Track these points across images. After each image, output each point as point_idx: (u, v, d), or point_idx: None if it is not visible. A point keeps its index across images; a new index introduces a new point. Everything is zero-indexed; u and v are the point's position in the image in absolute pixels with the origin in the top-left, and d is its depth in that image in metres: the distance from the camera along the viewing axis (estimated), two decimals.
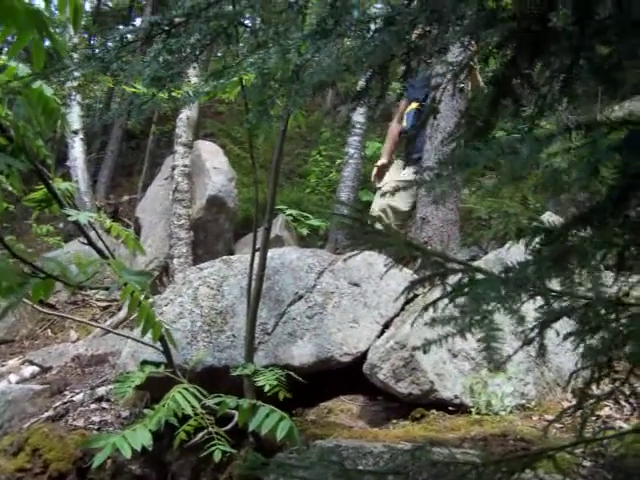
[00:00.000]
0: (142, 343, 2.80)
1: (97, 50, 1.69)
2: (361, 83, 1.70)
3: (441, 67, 1.81)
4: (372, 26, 1.57)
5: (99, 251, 2.42)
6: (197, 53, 1.63)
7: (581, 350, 1.43)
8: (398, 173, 4.99)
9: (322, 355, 3.16)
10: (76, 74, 1.66)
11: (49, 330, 6.17)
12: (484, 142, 1.40)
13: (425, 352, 1.55)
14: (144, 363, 3.01)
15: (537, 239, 1.26)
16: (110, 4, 15.87)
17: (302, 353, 3.16)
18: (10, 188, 2.22)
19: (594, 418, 2.53)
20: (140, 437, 1.93)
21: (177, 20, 1.63)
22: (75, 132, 8.38)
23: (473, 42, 1.52)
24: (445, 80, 1.75)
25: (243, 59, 1.60)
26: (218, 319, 3.32)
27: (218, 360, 3.17)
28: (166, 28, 1.61)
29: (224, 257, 3.78)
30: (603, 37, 1.25)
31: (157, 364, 2.63)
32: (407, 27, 1.36)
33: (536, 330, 1.47)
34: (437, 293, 1.56)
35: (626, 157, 1.09)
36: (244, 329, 2.95)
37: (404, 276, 3.34)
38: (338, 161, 8.97)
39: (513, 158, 1.10)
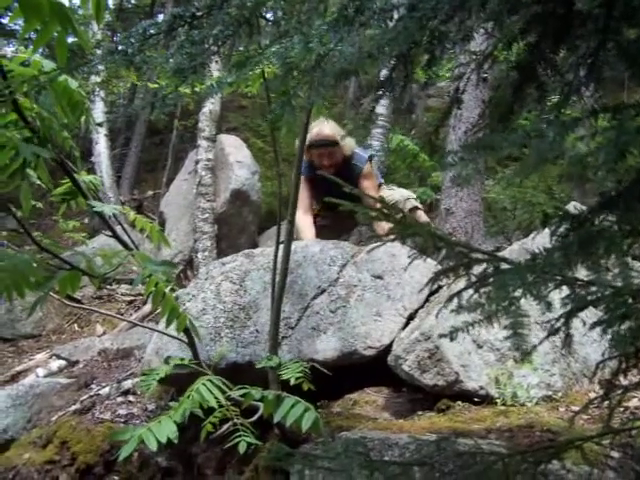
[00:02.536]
0: (167, 336, 2.82)
1: (120, 44, 1.69)
2: (384, 73, 1.69)
3: (465, 56, 1.80)
4: (395, 14, 1.56)
5: (124, 244, 2.43)
6: (219, 44, 1.63)
7: (608, 340, 1.41)
8: None
9: (346, 349, 3.15)
10: (100, 68, 1.67)
11: (75, 324, 6.24)
12: (508, 129, 1.39)
13: (452, 339, 1.54)
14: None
15: (564, 226, 1.24)
16: (133, 0, 15.98)
17: (326, 347, 3.16)
18: (38, 182, 2.24)
19: (622, 409, 2.51)
20: (165, 429, 1.94)
21: (199, 12, 1.63)
22: (99, 124, 8.44)
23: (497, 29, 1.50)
24: (469, 69, 1.73)
25: (266, 49, 1.60)
26: (241, 314, 3.32)
27: (242, 356, 3.17)
28: (188, 20, 1.62)
29: (246, 251, 3.77)
30: (631, 20, 1.23)
31: (182, 360, 2.65)
32: (429, 13, 1.34)
33: (562, 320, 1.46)
34: (462, 284, 1.55)
35: None
36: (267, 324, 2.95)
37: (428, 267, 3.32)
38: None
39: (539, 142, 1.08)
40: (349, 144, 4.51)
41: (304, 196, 4.57)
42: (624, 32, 1.26)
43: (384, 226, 4.14)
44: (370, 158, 4.71)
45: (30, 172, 2.15)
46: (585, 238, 1.17)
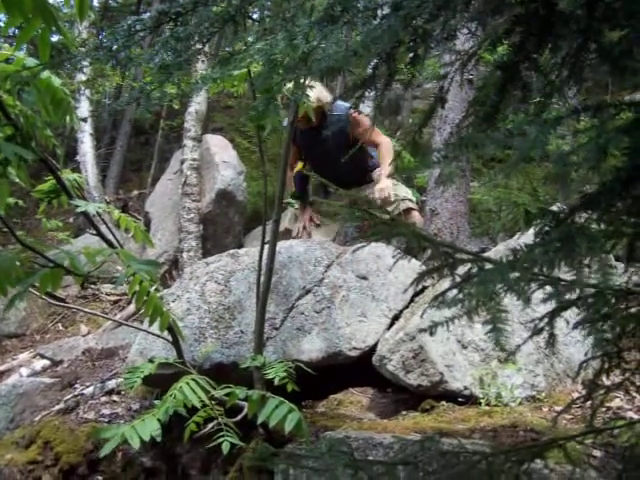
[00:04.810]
0: (152, 334, 2.81)
1: (105, 40, 1.68)
2: (368, 71, 1.69)
3: (449, 56, 1.80)
4: (380, 12, 1.56)
5: (108, 242, 2.42)
6: (205, 41, 1.62)
7: (590, 340, 1.41)
8: None
9: (330, 350, 3.15)
10: (84, 64, 1.66)
11: (60, 324, 6.20)
12: (492, 128, 1.39)
13: (432, 334, 1.54)
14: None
15: (545, 223, 1.25)
16: None
17: (311, 348, 3.15)
18: (17, 180, 2.23)
19: (604, 409, 2.52)
20: (149, 427, 1.93)
21: (185, 9, 1.63)
22: (84, 120, 8.38)
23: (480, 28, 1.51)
24: (452, 70, 1.74)
25: (250, 46, 1.59)
26: (226, 315, 3.30)
27: (226, 357, 3.16)
28: (174, 17, 1.61)
29: (231, 251, 3.76)
30: (612, 21, 1.24)
31: (166, 359, 2.64)
32: (414, 12, 1.35)
33: (545, 320, 1.46)
34: (446, 284, 1.55)
35: (634, 139, 1.08)
36: (252, 325, 2.94)
37: (412, 268, 3.33)
38: None
39: (521, 140, 1.09)
40: (324, 99, 4.50)
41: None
42: (605, 34, 1.27)
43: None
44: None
45: (10, 170, 2.14)
46: (566, 235, 1.18)
